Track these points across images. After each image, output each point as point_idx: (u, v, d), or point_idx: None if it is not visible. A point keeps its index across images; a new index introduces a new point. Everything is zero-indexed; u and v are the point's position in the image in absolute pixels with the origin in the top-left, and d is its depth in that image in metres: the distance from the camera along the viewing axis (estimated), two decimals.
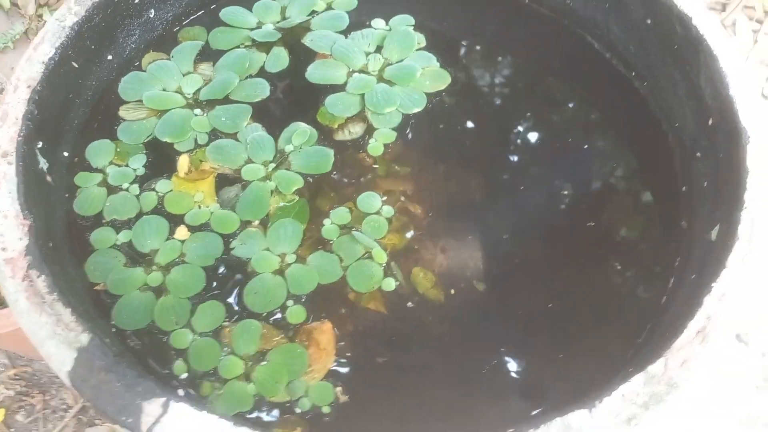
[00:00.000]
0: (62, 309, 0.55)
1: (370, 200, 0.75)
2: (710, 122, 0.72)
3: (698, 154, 0.75)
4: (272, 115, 0.82)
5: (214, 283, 0.69)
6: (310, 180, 0.77)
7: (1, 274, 0.57)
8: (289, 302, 0.68)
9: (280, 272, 0.69)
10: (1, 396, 1.16)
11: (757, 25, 1.78)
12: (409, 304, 0.71)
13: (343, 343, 0.67)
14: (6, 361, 1.20)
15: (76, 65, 0.76)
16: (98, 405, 0.51)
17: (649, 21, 0.81)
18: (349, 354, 0.67)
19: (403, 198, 0.77)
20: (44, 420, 1.15)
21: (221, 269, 0.70)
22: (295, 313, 0.67)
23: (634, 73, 0.86)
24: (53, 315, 0.55)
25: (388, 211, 0.75)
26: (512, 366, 0.67)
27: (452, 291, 0.72)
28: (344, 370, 0.66)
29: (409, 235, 0.75)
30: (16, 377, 1.19)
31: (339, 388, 0.64)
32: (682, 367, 0.53)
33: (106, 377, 0.52)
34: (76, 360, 0.53)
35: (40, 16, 1.63)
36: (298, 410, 0.62)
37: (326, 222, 0.74)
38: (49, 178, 0.70)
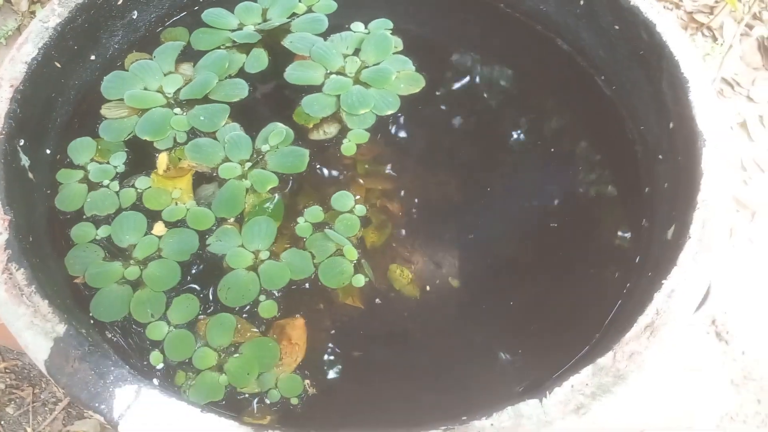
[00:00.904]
0: (40, 300, 0.58)
1: (344, 199, 0.78)
2: (671, 125, 0.75)
3: (660, 156, 0.77)
4: (250, 115, 0.84)
5: (189, 278, 0.71)
6: (289, 179, 0.79)
7: None
8: (262, 297, 0.70)
9: (253, 268, 0.71)
10: None
11: (744, 28, 1.81)
12: (386, 300, 0.73)
13: (316, 338, 0.69)
14: None
15: (59, 65, 0.78)
16: (73, 392, 0.53)
17: (616, 27, 0.83)
18: (321, 348, 0.69)
19: (379, 197, 0.80)
20: (34, 413, 1.16)
21: (197, 264, 0.72)
22: (267, 308, 0.70)
23: (603, 77, 0.89)
24: (31, 306, 0.57)
25: (361, 209, 0.77)
26: (478, 359, 0.70)
27: (428, 287, 0.74)
28: (315, 364, 0.68)
29: (386, 232, 0.77)
30: (7, 371, 1.20)
31: (308, 381, 0.66)
32: (630, 359, 0.55)
33: (80, 366, 0.54)
34: (52, 349, 0.55)
35: (33, 12, 1.64)
36: (267, 401, 0.65)
37: (300, 220, 0.76)
38: (30, 175, 0.71)
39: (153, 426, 0.51)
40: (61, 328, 0.56)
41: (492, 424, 0.51)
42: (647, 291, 0.61)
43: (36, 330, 0.56)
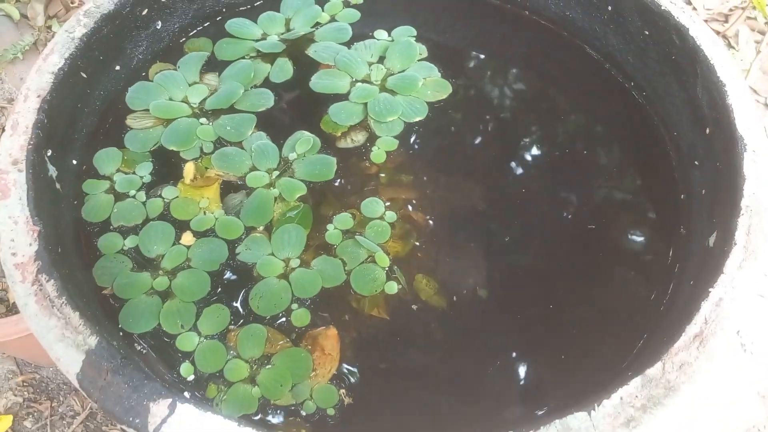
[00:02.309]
0: (71, 312, 0.56)
1: (374, 206, 0.77)
2: (707, 131, 0.73)
3: (696, 162, 0.76)
4: (276, 124, 0.83)
5: (219, 288, 0.70)
6: (314, 187, 0.78)
7: (11, 279, 0.58)
8: (294, 306, 0.69)
9: (284, 276, 0.70)
10: (9, 402, 1.18)
11: (759, 36, 1.80)
12: (412, 310, 0.71)
13: (347, 348, 0.68)
14: (14, 368, 1.21)
15: (85, 75, 0.78)
16: (106, 406, 0.52)
17: (646, 32, 0.82)
18: (353, 359, 0.68)
19: (405, 206, 0.79)
20: (52, 426, 1.16)
21: (226, 274, 0.71)
22: (300, 317, 0.68)
23: (632, 83, 0.88)
24: (62, 318, 0.56)
25: (391, 216, 0.76)
26: (513, 370, 0.68)
27: (455, 298, 0.72)
28: (348, 374, 0.67)
29: (411, 242, 0.76)
30: (25, 384, 1.20)
31: (343, 391, 0.65)
32: (680, 370, 0.53)
33: (113, 379, 0.53)
34: (84, 362, 0.54)
35: (49, 27, 1.65)
36: (303, 413, 0.63)
37: (329, 227, 0.75)
38: (58, 186, 0.71)
39: None
40: (92, 341, 0.55)
41: None
42: (692, 300, 0.59)
43: (67, 342, 0.55)
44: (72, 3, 1.70)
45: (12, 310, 1.07)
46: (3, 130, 1.49)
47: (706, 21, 1.86)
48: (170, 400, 0.51)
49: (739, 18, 1.87)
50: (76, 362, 0.54)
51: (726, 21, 1.89)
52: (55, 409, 1.18)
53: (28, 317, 0.56)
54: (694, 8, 1.87)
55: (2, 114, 1.53)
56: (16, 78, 1.57)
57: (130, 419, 0.51)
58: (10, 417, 1.15)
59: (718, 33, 1.84)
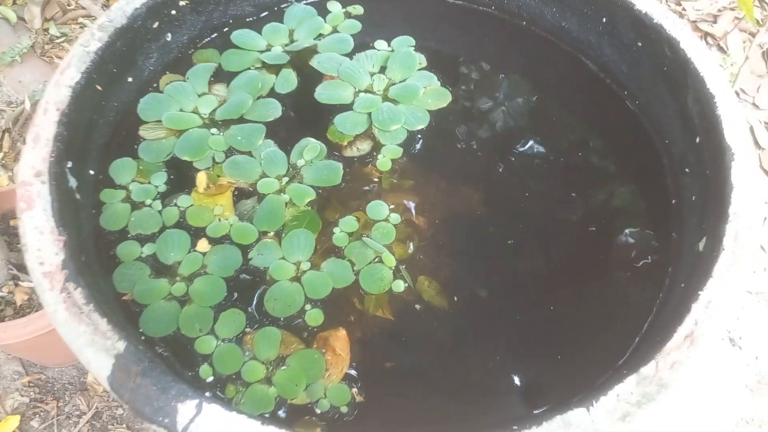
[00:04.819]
0: (99, 319, 0.59)
1: (379, 208, 0.80)
2: (697, 140, 0.77)
3: (687, 169, 0.79)
4: (283, 133, 0.86)
5: (235, 293, 0.73)
6: (321, 193, 0.82)
7: (40, 287, 0.61)
8: (307, 306, 0.73)
9: (296, 279, 0.74)
10: (16, 403, 1.20)
11: (747, 36, 1.84)
12: (416, 310, 0.74)
13: (355, 348, 0.71)
14: (20, 369, 1.24)
15: (100, 88, 0.80)
16: (136, 407, 0.55)
17: (639, 44, 0.86)
18: (362, 358, 0.71)
19: (408, 210, 0.82)
20: (58, 426, 1.18)
21: (241, 279, 0.74)
22: (314, 316, 0.72)
23: (626, 93, 0.91)
24: (91, 324, 0.59)
25: (396, 218, 0.80)
26: (514, 368, 0.72)
27: (456, 298, 0.76)
28: (358, 373, 0.70)
29: (414, 245, 0.79)
30: (31, 384, 1.22)
31: (355, 390, 0.68)
32: (671, 368, 0.57)
33: (142, 381, 0.56)
34: (114, 366, 0.57)
35: (46, 30, 1.67)
36: (318, 411, 0.67)
37: (336, 230, 0.78)
38: (77, 196, 0.73)
39: None
40: (121, 345, 0.58)
41: None
42: (683, 302, 0.63)
43: (97, 347, 0.58)
44: (69, 6, 1.72)
45: (19, 312, 1.09)
46: (4, 132, 1.51)
47: (695, 21, 1.90)
48: (197, 400, 0.55)
49: (729, 19, 1.91)
50: (106, 366, 0.57)
51: (715, 21, 1.93)
52: (61, 409, 1.20)
53: (57, 324, 0.59)
54: (684, 9, 1.91)
55: (1, 117, 1.55)
56: (14, 81, 1.58)
57: (160, 419, 0.54)
58: (17, 417, 1.17)
59: (706, 34, 1.88)
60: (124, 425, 1.19)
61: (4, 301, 1.09)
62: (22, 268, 1.11)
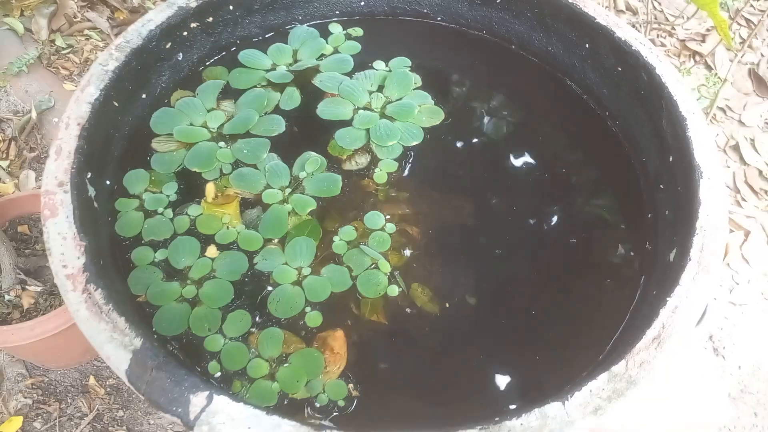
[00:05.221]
0: (117, 317, 0.65)
1: (375, 218, 0.86)
2: (671, 159, 0.83)
3: (661, 186, 0.85)
4: (287, 147, 0.92)
5: (243, 296, 0.78)
6: (321, 203, 0.87)
7: (63, 288, 0.66)
8: (308, 309, 0.78)
9: (298, 283, 0.79)
10: (19, 404, 1.23)
11: (733, 55, 1.90)
12: (408, 315, 0.80)
13: (351, 348, 0.76)
14: (23, 371, 1.27)
15: (117, 104, 0.86)
16: (152, 398, 0.60)
17: (619, 68, 0.92)
18: (358, 358, 0.76)
19: (402, 220, 0.87)
20: (60, 427, 1.21)
21: (246, 282, 0.80)
22: (313, 318, 0.77)
23: (607, 113, 0.97)
24: (110, 323, 0.64)
25: (391, 227, 0.85)
26: (498, 368, 0.77)
27: (447, 304, 0.81)
28: (355, 370, 0.75)
29: (407, 253, 0.84)
30: (33, 386, 1.25)
31: (351, 385, 0.73)
32: (640, 367, 0.63)
33: (157, 374, 0.61)
34: (131, 360, 0.62)
35: (53, 41, 1.70)
36: (317, 404, 0.72)
37: (335, 239, 0.84)
38: (96, 204, 0.79)
39: (227, 427, 0.58)
40: (138, 342, 0.63)
41: (522, 424, 0.59)
42: (653, 307, 0.69)
43: (116, 343, 0.63)
44: (75, 18, 1.76)
45: (26, 316, 1.11)
46: (10, 140, 1.55)
47: (684, 40, 1.97)
48: (208, 392, 0.60)
49: (716, 38, 1.98)
50: (124, 361, 0.62)
51: (704, 41, 2.00)
52: (63, 411, 1.22)
53: (79, 322, 0.65)
54: (674, 29, 1.97)
55: (8, 125, 1.58)
56: (21, 90, 1.60)
57: (174, 408, 0.59)
58: (20, 418, 1.20)
59: (695, 52, 1.95)
60: (125, 427, 1.22)
61: (11, 305, 1.12)
62: (29, 272, 1.14)
